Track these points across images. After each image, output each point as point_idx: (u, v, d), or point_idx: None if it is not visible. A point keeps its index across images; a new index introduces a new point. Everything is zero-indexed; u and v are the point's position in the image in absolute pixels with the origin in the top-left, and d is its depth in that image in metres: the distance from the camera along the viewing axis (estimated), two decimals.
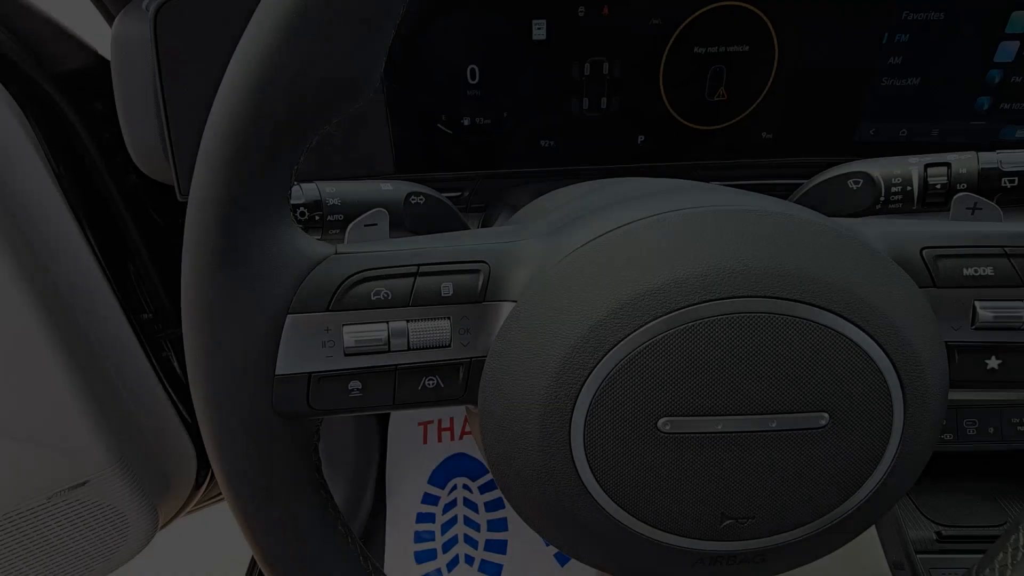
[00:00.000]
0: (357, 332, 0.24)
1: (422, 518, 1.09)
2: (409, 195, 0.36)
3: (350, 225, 0.28)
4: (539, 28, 0.48)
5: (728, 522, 0.25)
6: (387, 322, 0.24)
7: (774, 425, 0.24)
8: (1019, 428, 0.66)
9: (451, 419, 1.14)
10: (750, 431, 0.24)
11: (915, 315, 0.24)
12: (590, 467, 0.24)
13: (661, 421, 0.24)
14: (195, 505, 1.09)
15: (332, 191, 0.33)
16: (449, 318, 0.25)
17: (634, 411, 0.24)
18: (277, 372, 0.24)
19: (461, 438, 1.15)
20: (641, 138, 0.53)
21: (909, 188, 0.34)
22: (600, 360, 0.23)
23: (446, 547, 1.07)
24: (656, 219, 0.25)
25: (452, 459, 1.12)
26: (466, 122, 0.52)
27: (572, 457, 0.24)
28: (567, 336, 0.24)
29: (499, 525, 1.07)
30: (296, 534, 0.26)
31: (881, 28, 0.49)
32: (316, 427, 0.27)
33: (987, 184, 0.33)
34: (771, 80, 0.51)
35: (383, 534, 1.09)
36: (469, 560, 1.06)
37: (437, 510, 1.10)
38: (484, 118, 0.51)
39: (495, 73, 0.49)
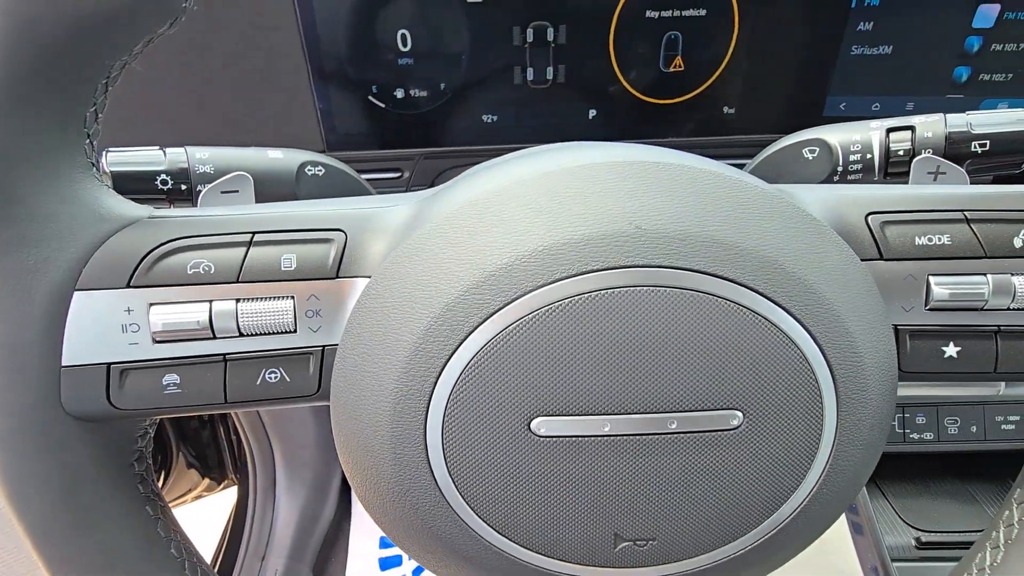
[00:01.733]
0: (166, 314, 0.20)
1: None
2: (304, 165, 0.31)
3: (203, 190, 0.23)
4: None
5: (624, 544, 0.21)
6: (210, 301, 0.20)
7: (674, 426, 0.19)
8: (1003, 427, 0.62)
9: None
10: (644, 434, 0.19)
11: (853, 293, 0.20)
12: (451, 478, 0.20)
13: (535, 422, 0.19)
14: None
15: (204, 157, 0.29)
16: (293, 297, 0.21)
17: (501, 410, 0.19)
18: (64, 363, 0.20)
19: None
20: (593, 112, 0.49)
21: (869, 156, 0.30)
22: (458, 347, 0.19)
23: None
24: (533, 178, 0.20)
25: None
26: (399, 94, 0.47)
27: (430, 466, 0.20)
28: (420, 318, 0.19)
29: None
30: (104, 564, 0.22)
31: None
32: (137, 432, 0.23)
33: (955, 149, 0.29)
34: (731, 49, 0.46)
35: (347, 540, 1.05)
36: None
37: None
38: (419, 90, 0.47)
39: (428, 39, 0.45)
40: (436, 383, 0.19)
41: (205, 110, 0.46)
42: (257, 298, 0.21)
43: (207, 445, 1.09)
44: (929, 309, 0.21)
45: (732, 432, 0.20)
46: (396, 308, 0.19)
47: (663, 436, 0.19)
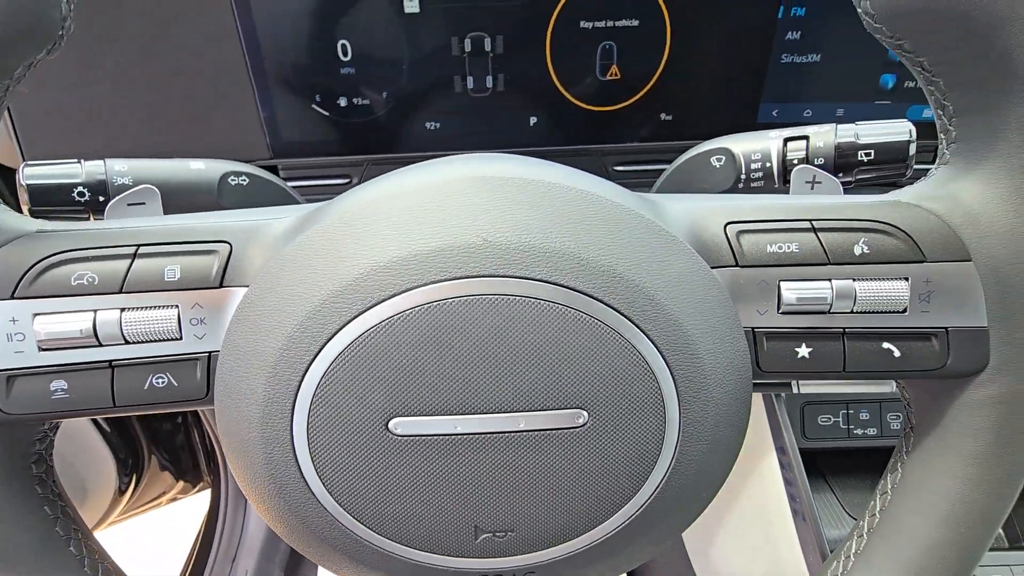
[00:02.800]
0: (50, 323, 0.21)
1: None
2: (227, 175, 0.32)
3: (110, 203, 0.24)
4: (411, 0, 0.45)
5: (484, 536, 0.22)
6: (94, 311, 0.21)
7: (522, 425, 0.21)
8: None
9: None
10: (495, 432, 0.21)
11: (695, 299, 0.21)
12: (319, 477, 0.21)
13: (392, 422, 0.21)
14: (121, 515, 1.05)
15: (122, 169, 0.29)
16: (177, 306, 0.22)
17: (360, 411, 0.20)
18: None
19: None
20: (534, 119, 0.50)
21: (768, 164, 0.31)
22: (318, 353, 0.20)
23: None
24: (397, 193, 0.22)
25: None
26: (343, 103, 0.48)
27: (299, 466, 0.21)
28: (285, 325, 0.20)
29: None
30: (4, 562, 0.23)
31: (776, 0, 0.46)
32: (34, 436, 0.24)
33: (845, 158, 0.30)
34: (665, 57, 0.48)
35: None
36: None
37: None
38: (362, 98, 0.48)
39: (368, 49, 0.46)
40: (299, 387, 0.20)
41: (150, 121, 0.47)
42: (141, 307, 0.22)
43: (181, 448, 1.10)
44: (782, 313, 0.22)
45: (579, 430, 0.21)
46: (266, 316, 0.21)
47: (513, 434, 0.21)
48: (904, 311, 0.22)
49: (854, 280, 0.22)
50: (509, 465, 0.21)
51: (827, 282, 0.22)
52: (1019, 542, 0.60)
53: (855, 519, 0.65)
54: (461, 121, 0.50)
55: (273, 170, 0.53)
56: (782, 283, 0.22)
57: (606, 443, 0.21)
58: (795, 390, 0.55)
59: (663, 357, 0.21)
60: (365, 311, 0.20)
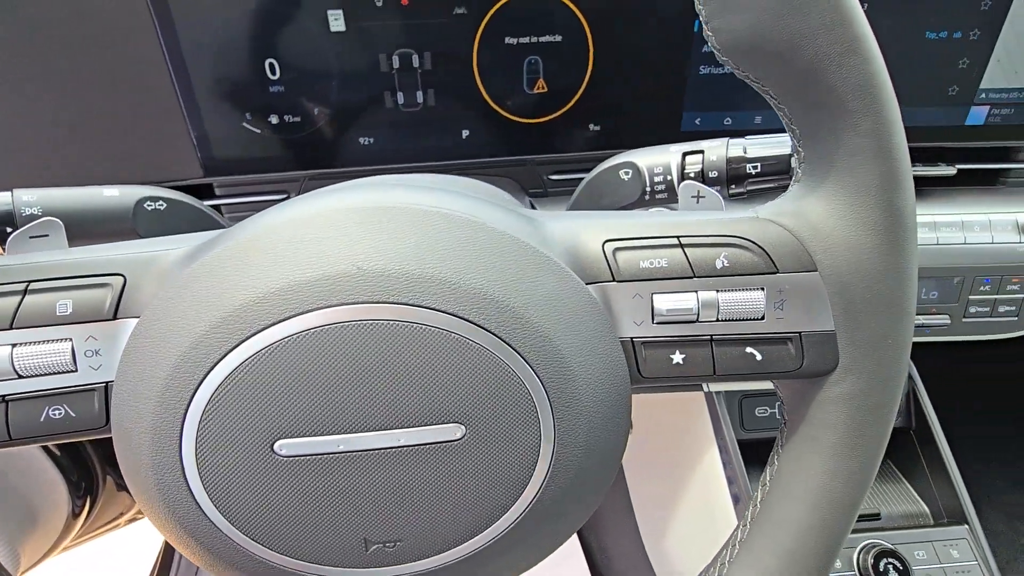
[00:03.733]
0: None
1: None
2: (142, 200, 0.33)
3: (10, 237, 0.25)
4: (336, 19, 0.45)
5: (375, 547, 0.23)
6: None
7: (402, 441, 0.22)
8: None
9: None
10: (376, 448, 0.22)
11: (565, 315, 0.23)
12: (211, 500, 0.22)
13: (277, 444, 0.22)
14: (76, 539, 1.02)
15: (31, 199, 0.30)
16: (71, 339, 0.22)
17: (246, 435, 0.21)
18: None
19: None
20: (466, 133, 0.51)
21: (669, 177, 0.33)
22: (202, 380, 0.21)
23: None
24: (279, 224, 0.23)
25: None
26: (274, 120, 0.49)
27: (190, 491, 0.22)
28: (170, 355, 0.21)
29: None
30: None
31: (691, 15, 0.48)
32: None
33: (735, 171, 0.32)
34: (589, 71, 0.50)
35: None
36: None
37: None
38: (293, 115, 0.49)
39: (296, 68, 0.47)
40: (186, 414, 0.21)
41: (78, 146, 0.47)
42: (33, 342, 0.22)
43: None
44: (656, 323, 0.24)
45: (457, 443, 0.22)
46: (153, 345, 0.22)
47: (394, 450, 0.22)
48: (762, 318, 0.24)
49: (717, 291, 0.24)
50: (392, 478, 0.22)
51: (693, 294, 0.24)
52: (942, 519, 0.63)
53: None
54: (394, 135, 0.51)
55: (208, 188, 0.53)
56: (654, 296, 0.24)
57: (484, 454, 0.23)
58: (705, 389, 0.57)
59: (534, 371, 0.22)
60: (246, 339, 0.21)
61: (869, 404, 0.24)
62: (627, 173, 0.35)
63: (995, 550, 1.14)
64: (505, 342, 0.22)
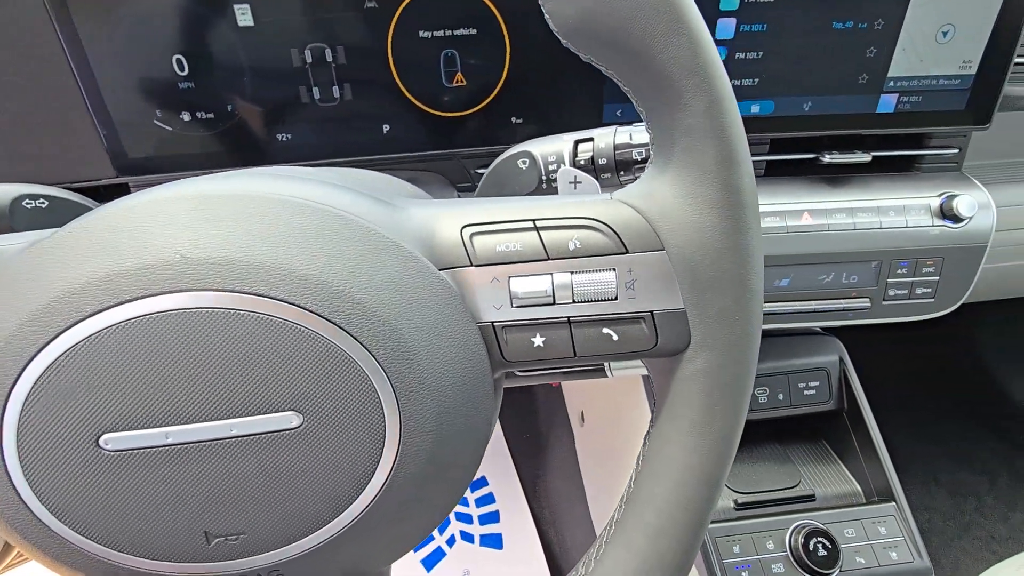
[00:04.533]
0: None
1: None
2: (20, 199, 0.32)
3: None
4: (243, 13, 0.45)
5: (217, 540, 0.23)
6: None
7: (235, 431, 0.22)
8: (806, 392, 0.69)
9: None
10: (208, 440, 0.22)
11: (409, 300, 0.23)
12: (38, 498, 0.22)
13: (103, 439, 0.21)
14: (13, 561, 0.99)
15: None
16: None
17: (68, 430, 0.21)
18: None
19: None
20: (387, 128, 0.51)
21: (563, 166, 0.34)
22: (20, 374, 0.20)
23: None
24: (105, 213, 0.22)
25: None
26: (186, 117, 0.48)
27: (15, 488, 0.22)
28: None
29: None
30: None
31: None
32: None
33: (623, 157, 0.33)
34: (507, 64, 0.50)
35: None
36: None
37: None
38: (206, 112, 0.48)
39: (205, 63, 0.46)
40: (4, 409, 0.21)
41: None
42: None
43: None
44: (515, 306, 0.24)
45: (295, 431, 0.22)
46: None
47: (227, 440, 0.22)
48: (615, 299, 0.24)
49: (572, 273, 0.24)
50: (228, 470, 0.22)
51: (548, 276, 0.24)
52: (873, 497, 0.65)
53: (733, 490, 0.69)
54: (313, 131, 0.50)
55: (123, 188, 0.51)
56: (511, 279, 0.24)
57: (325, 442, 0.22)
58: (609, 375, 0.58)
59: (374, 357, 0.22)
60: (64, 331, 0.20)
61: (723, 380, 0.24)
62: (524, 163, 0.35)
63: (931, 524, 1.18)
64: (340, 328, 0.21)
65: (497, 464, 1.19)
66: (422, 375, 0.23)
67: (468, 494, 1.15)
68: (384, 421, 0.23)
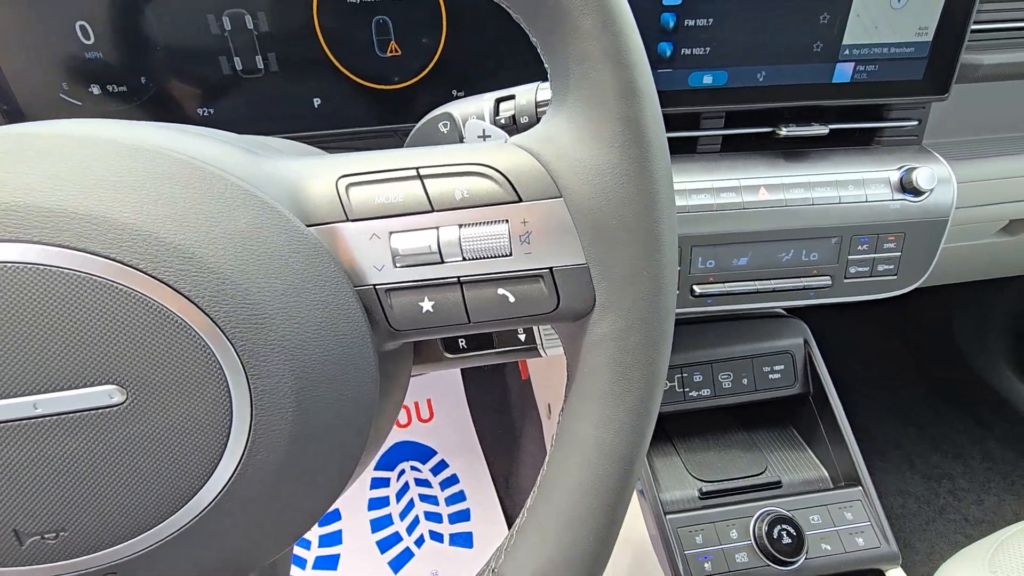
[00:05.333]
0: None
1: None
2: None
3: None
4: None
5: (32, 540, 0.20)
6: None
7: (39, 410, 0.19)
8: (771, 376, 0.67)
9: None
10: (6, 420, 0.19)
11: (263, 257, 0.20)
12: None
13: None
14: None
15: None
16: None
17: None
18: None
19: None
20: (318, 101, 0.48)
21: (484, 126, 0.31)
22: None
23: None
24: None
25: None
26: (95, 90, 0.44)
27: None
28: None
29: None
30: None
31: None
32: None
33: (545, 114, 0.30)
34: (444, 31, 0.47)
35: None
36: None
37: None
38: (117, 85, 0.44)
39: (112, 30, 0.42)
40: None
41: None
42: None
43: None
44: (399, 266, 0.21)
45: (116, 409, 0.19)
46: None
47: (32, 421, 0.19)
48: (510, 255, 0.21)
49: (460, 227, 0.21)
50: (35, 456, 0.19)
51: (434, 231, 0.21)
52: (840, 483, 0.64)
53: (698, 479, 0.67)
54: (237, 105, 0.47)
55: None
56: (393, 235, 0.21)
57: (156, 421, 0.19)
58: (542, 353, 0.55)
59: (214, 321, 0.19)
60: None
61: (632, 344, 0.22)
62: (445, 125, 0.32)
63: (905, 508, 1.17)
64: (169, 286, 0.18)
65: (468, 461, 1.17)
66: (279, 344, 0.20)
67: (438, 492, 1.12)
68: (230, 396, 0.20)
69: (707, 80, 0.51)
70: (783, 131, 0.54)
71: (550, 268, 0.22)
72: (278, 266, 0.20)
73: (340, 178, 0.21)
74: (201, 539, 0.21)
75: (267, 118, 0.48)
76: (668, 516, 0.58)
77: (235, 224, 0.19)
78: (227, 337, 0.19)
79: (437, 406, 1.24)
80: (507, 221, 0.21)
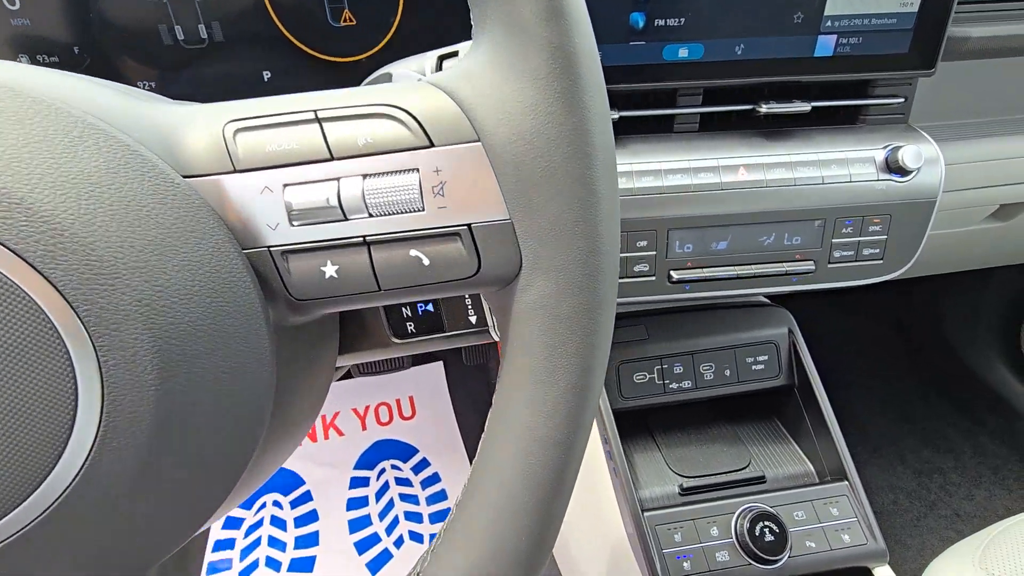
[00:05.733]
0: None
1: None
2: None
3: None
4: None
5: None
6: None
7: None
8: (754, 367, 0.65)
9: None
10: None
11: (115, 209, 0.17)
12: None
13: None
14: None
15: None
16: None
17: None
18: None
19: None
20: (268, 74, 0.45)
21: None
22: None
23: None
24: None
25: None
26: (23, 61, 0.41)
27: None
28: None
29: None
30: None
31: None
32: None
33: None
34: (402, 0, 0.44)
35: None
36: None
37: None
38: (47, 55, 0.41)
39: None
40: None
41: None
42: None
43: None
44: (296, 224, 0.19)
45: None
46: None
47: None
48: (422, 209, 0.19)
49: (364, 178, 0.18)
50: None
51: (334, 182, 0.18)
52: (826, 477, 0.61)
53: (679, 474, 0.65)
54: (180, 78, 0.44)
55: None
56: (287, 188, 0.18)
57: None
58: (495, 337, 0.53)
59: (48, 279, 0.16)
60: None
61: (565, 312, 0.19)
62: None
63: (896, 504, 1.15)
64: (8, 248, 0.16)
65: (450, 459, 1.14)
66: (136, 310, 0.17)
67: (419, 491, 1.09)
68: (73, 372, 0.17)
69: (683, 53, 0.49)
70: (763, 108, 0.51)
71: (468, 225, 0.19)
72: (136, 219, 0.17)
73: (228, 123, 0.18)
74: (50, 541, 0.18)
75: (212, 92, 0.45)
76: (646, 513, 0.55)
77: (80, 167, 0.16)
78: (67, 300, 0.16)
79: (419, 404, 1.21)
80: (417, 170, 0.18)
